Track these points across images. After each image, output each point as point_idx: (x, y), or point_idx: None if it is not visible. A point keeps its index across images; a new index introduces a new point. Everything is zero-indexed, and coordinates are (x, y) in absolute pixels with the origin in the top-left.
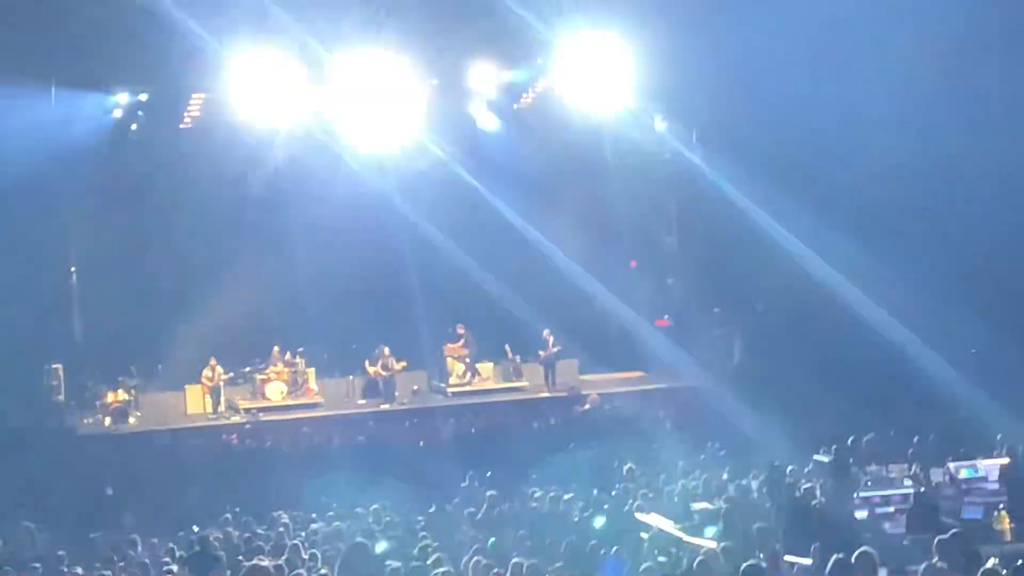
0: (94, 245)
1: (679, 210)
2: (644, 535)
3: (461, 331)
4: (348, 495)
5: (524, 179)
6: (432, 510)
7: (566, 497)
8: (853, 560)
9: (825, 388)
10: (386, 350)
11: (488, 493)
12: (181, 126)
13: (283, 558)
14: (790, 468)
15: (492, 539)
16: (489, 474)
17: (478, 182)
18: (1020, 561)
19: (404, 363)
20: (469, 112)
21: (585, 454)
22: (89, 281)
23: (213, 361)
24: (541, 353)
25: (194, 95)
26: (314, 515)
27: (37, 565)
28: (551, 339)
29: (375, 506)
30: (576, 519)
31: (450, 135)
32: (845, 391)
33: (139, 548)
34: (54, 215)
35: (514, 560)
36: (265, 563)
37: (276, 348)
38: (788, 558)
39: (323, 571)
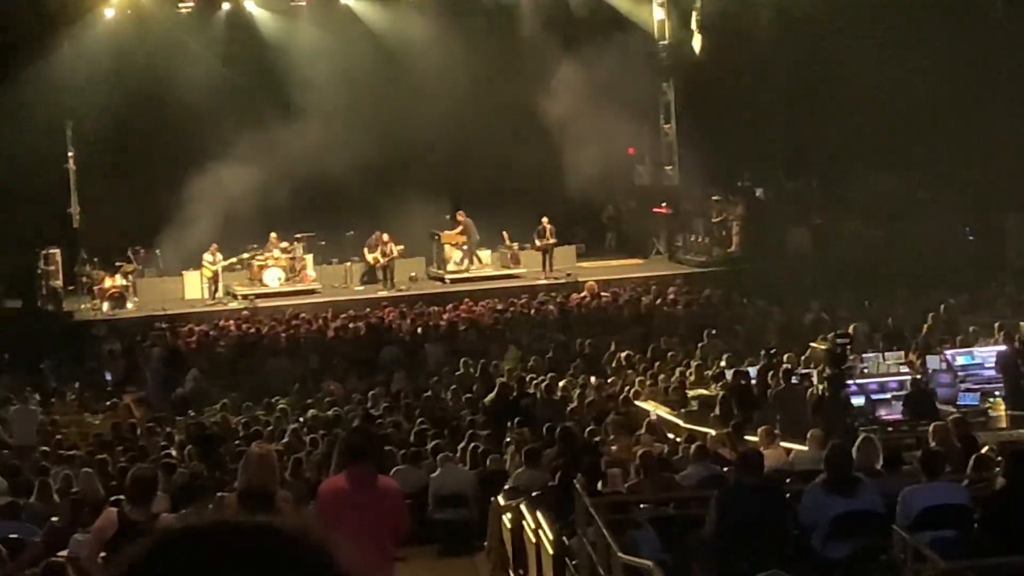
0: (92, 131)
1: (677, 96)
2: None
3: (461, 218)
4: (346, 381)
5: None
6: (428, 394)
7: (562, 383)
8: (851, 446)
9: (823, 276)
10: (384, 236)
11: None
12: (180, 8)
13: (283, 442)
14: (787, 355)
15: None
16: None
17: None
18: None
19: (402, 247)
20: None
21: (582, 341)
22: (87, 167)
23: (215, 247)
24: (538, 242)
25: None
26: (310, 400)
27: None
28: (549, 227)
29: (373, 392)
30: (572, 405)
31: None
32: (843, 279)
33: (137, 432)
34: (51, 101)
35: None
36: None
37: (273, 235)
38: (785, 444)
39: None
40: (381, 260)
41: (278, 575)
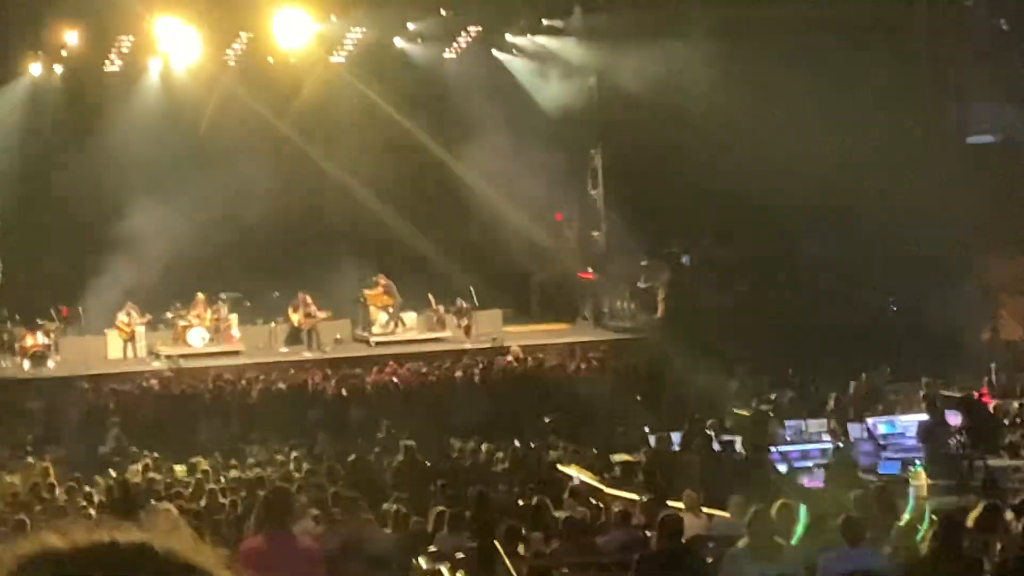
0: (13, 187)
1: (606, 161)
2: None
3: (382, 281)
4: (269, 443)
5: (448, 124)
6: (352, 457)
7: (485, 448)
8: (772, 512)
9: (748, 343)
10: (308, 298)
11: (405, 443)
12: (105, 70)
13: (202, 503)
14: (710, 421)
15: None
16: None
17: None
18: (935, 515)
19: (328, 312)
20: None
21: (506, 406)
22: (8, 224)
23: (129, 305)
24: (459, 320)
25: (119, 37)
26: (234, 461)
27: None
28: (461, 304)
29: (296, 454)
30: (496, 470)
31: (373, 72)
32: (769, 345)
33: (56, 492)
34: None
35: (434, 510)
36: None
37: (200, 295)
38: (707, 510)
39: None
40: (305, 322)
41: None
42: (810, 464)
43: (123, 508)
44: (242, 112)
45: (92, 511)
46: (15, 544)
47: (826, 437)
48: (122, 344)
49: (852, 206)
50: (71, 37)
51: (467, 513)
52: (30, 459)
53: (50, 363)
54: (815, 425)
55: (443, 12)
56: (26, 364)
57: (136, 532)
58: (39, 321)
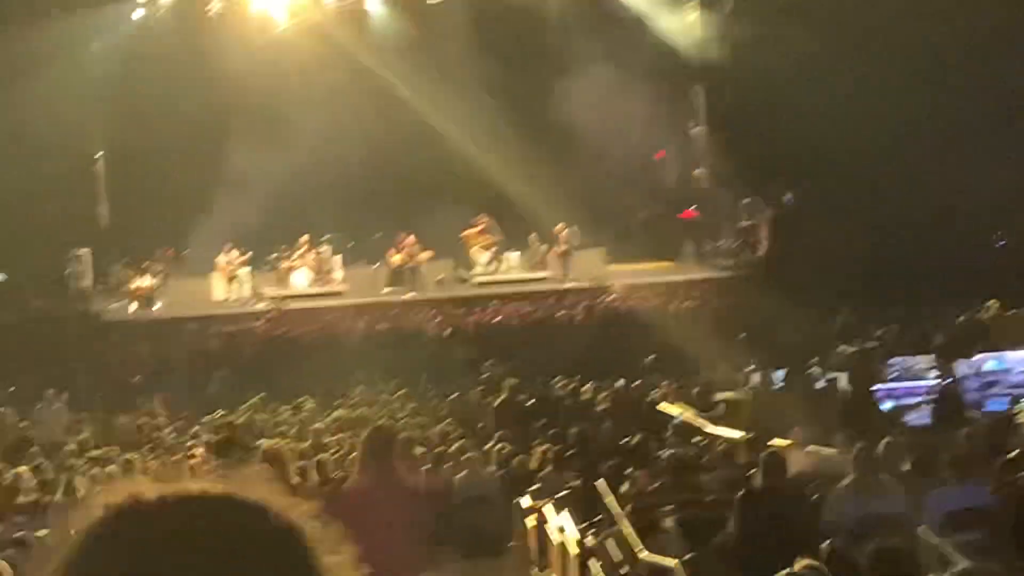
0: (120, 130)
1: (707, 97)
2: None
3: (483, 221)
4: (373, 382)
5: (548, 61)
6: (452, 396)
7: (588, 387)
8: (878, 449)
9: (853, 279)
10: (411, 239)
11: (507, 383)
12: (207, 12)
13: (307, 442)
14: (815, 359)
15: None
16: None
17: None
18: None
19: (430, 253)
20: None
21: (609, 345)
22: (116, 166)
23: (228, 246)
24: (555, 249)
25: None
26: (338, 401)
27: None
28: (563, 234)
29: (399, 393)
30: (599, 408)
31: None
32: (873, 282)
33: (164, 431)
34: (80, 101)
35: (537, 448)
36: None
37: (303, 237)
38: (811, 447)
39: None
40: (408, 262)
41: (240, 548)
42: (916, 401)
43: (229, 448)
44: (345, 53)
45: (198, 451)
46: (103, 492)
47: (932, 374)
48: (226, 286)
49: (957, 139)
50: None
51: (570, 451)
52: (137, 400)
53: (156, 305)
54: (921, 362)
55: None
56: (133, 306)
57: (227, 483)
58: (145, 263)
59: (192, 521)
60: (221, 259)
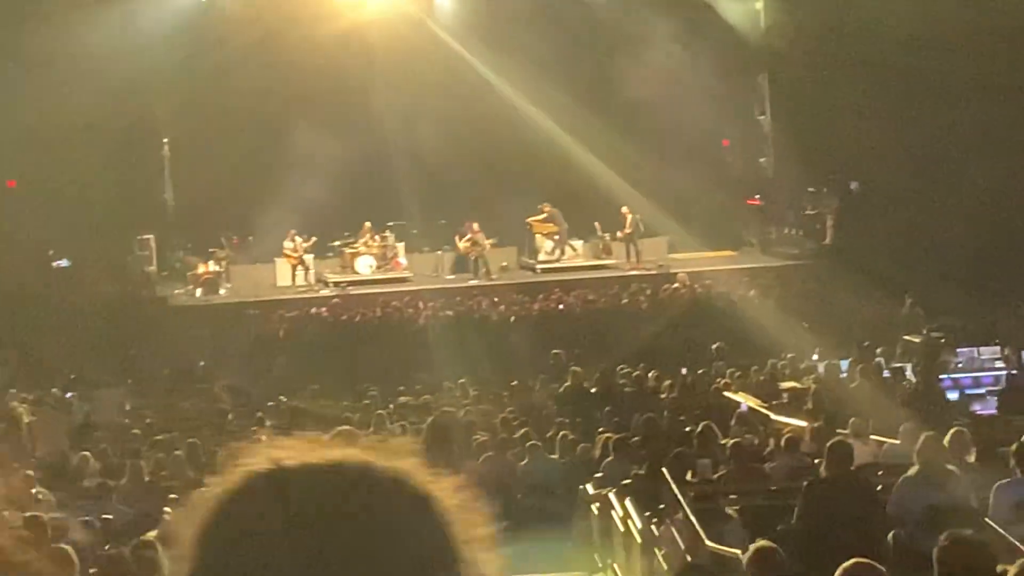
0: (186, 116)
1: (773, 85)
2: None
3: (547, 209)
4: (436, 369)
5: (615, 48)
6: (515, 383)
7: (652, 375)
8: (944, 440)
9: (919, 269)
10: (475, 226)
11: (571, 370)
12: None
13: (370, 429)
14: (880, 348)
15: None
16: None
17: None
18: None
19: (494, 239)
20: None
21: (673, 333)
22: (181, 152)
23: (292, 232)
24: (619, 233)
25: None
26: (402, 388)
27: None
28: (628, 217)
29: (462, 380)
30: (663, 396)
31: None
32: (939, 271)
33: (229, 417)
34: (145, 87)
35: (601, 436)
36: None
37: (367, 223)
38: (876, 437)
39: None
40: (472, 249)
41: (378, 516)
42: (982, 391)
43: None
44: (411, 39)
45: (263, 437)
46: (243, 460)
47: (999, 364)
48: (291, 272)
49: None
50: None
51: (634, 439)
52: (201, 385)
53: (221, 290)
54: (987, 352)
55: None
56: (198, 292)
57: (367, 453)
58: (210, 249)
59: (332, 488)
60: (287, 245)
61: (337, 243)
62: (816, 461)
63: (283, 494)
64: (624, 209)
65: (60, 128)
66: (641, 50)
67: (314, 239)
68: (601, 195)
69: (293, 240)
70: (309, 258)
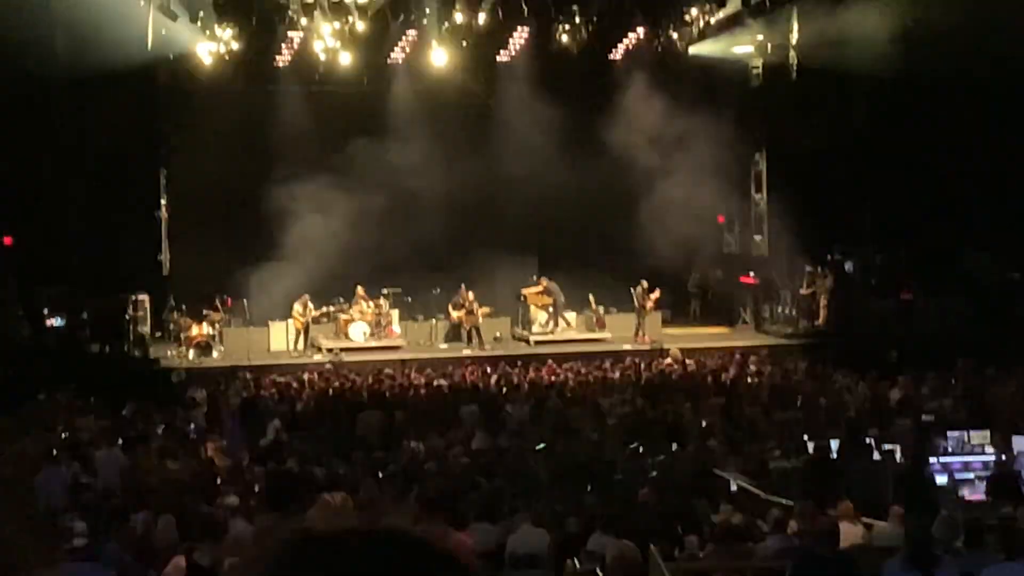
0: (185, 178)
1: (769, 164)
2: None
3: (544, 283)
4: (428, 437)
5: (613, 124)
6: (509, 455)
7: (643, 449)
8: (932, 524)
9: (911, 351)
10: (469, 294)
11: (563, 442)
12: (275, 65)
13: (360, 494)
14: (871, 430)
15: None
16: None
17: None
18: None
19: (488, 310)
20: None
21: (665, 408)
22: (179, 214)
23: (305, 297)
24: (640, 305)
25: (288, 34)
26: (392, 454)
27: None
28: (645, 291)
29: (454, 450)
30: (653, 472)
31: (531, 69)
32: (930, 355)
33: (218, 480)
34: (147, 146)
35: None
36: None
37: (360, 289)
38: (865, 519)
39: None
40: (466, 319)
41: None
42: (971, 476)
43: (283, 499)
44: (410, 107)
45: (252, 501)
46: (280, 528)
47: (989, 449)
48: (286, 336)
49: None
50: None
51: (622, 514)
52: (193, 447)
53: (214, 353)
54: (978, 436)
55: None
56: (191, 354)
57: (389, 519)
58: (204, 311)
59: (367, 554)
60: (297, 308)
61: (331, 309)
62: (804, 541)
63: (321, 561)
64: (643, 283)
65: (57, 185)
66: (640, 126)
67: (324, 308)
68: (596, 268)
69: (304, 305)
70: (309, 322)
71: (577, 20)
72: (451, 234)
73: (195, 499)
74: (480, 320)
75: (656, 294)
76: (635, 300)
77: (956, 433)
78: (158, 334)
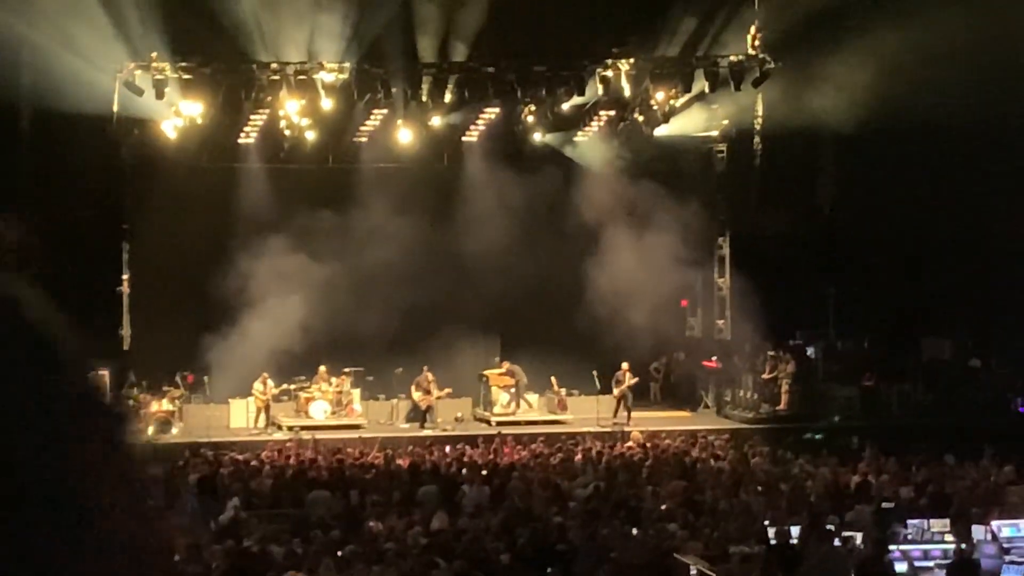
0: (147, 253)
1: (733, 248)
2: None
3: (507, 367)
4: (387, 517)
5: (576, 209)
6: (469, 537)
7: (604, 533)
8: None
9: (873, 437)
10: (429, 375)
11: (523, 525)
12: (239, 141)
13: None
14: (831, 516)
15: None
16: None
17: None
18: None
19: (448, 391)
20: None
21: (625, 491)
22: (140, 288)
23: (265, 375)
24: (615, 389)
25: (252, 114)
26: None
27: None
28: (628, 373)
29: (414, 530)
30: (613, 555)
31: (497, 148)
32: (890, 442)
33: (175, 558)
34: (109, 219)
35: None
36: None
37: (322, 368)
38: None
39: None
40: (426, 399)
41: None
42: (931, 564)
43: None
44: (376, 186)
45: None
46: None
47: (949, 537)
48: (246, 414)
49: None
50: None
51: None
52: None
53: (173, 430)
54: (937, 524)
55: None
56: (150, 430)
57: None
58: (165, 387)
59: None
60: (257, 386)
61: (292, 387)
62: None
63: None
64: (624, 365)
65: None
66: (604, 208)
67: (284, 386)
68: (558, 350)
69: (264, 383)
70: (270, 400)
71: (544, 102)
72: (414, 314)
73: None
74: (434, 400)
75: (635, 379)
76: (615, 383)
77: (916, 521)
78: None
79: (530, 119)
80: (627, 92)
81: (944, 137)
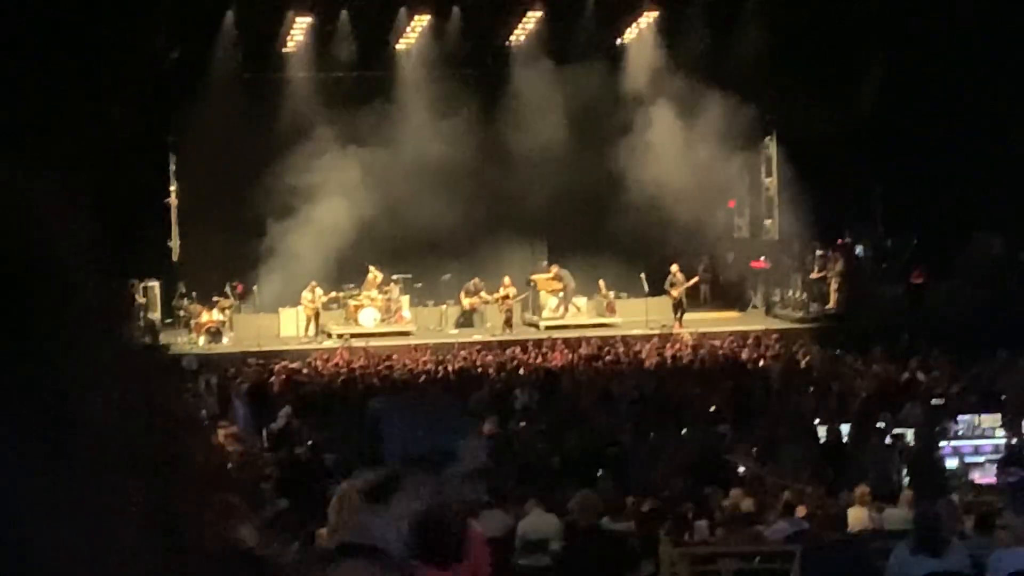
0: (194, 165)
1: (779, 148)
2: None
3: (555, 270)
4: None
5: (624, 109)
6: (520, 442)
7: (653, 435)
8: (940, 507)
9: (922, 335)
10: (479, 281)
11: (573, 428)
12: (283, 49)
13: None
14: (882, 414)
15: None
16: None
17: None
18: None
19: (498, 295)
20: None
21: (675, 393)
22: (188, 200)
23: (314, 283)
24: (673, 291)
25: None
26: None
27: None
28: (680, 274)
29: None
30: (663, 457)
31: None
32: (941, 339)
33: (229, 466)
34: (155, 132)
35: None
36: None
37: (371, 275)
38: (876, 503)
39: None
40: (476, 304)
41: None
42: (982, 460)
43: (295, 485)
44: (420, 93)
45: (265, 487)
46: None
47: (1000, 432)
48: (296, 322)
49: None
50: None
51: (632, 499)
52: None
53: (224, 339)
54: (988, 420)
55: None
56: (201, 340)
57: None
58: (215, 298)
59: None
60: (306, 295)
61: (341, 295)
62: (815, 525)
63: None
64: (674, 267)
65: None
66: (649, 110)
67: (333, 294)
68: (606, 254)
69: (313, 292)
70: (319, 308)
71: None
72: (462, 220)
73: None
74: (490, 305)
75: (692, 281)
76: (669, 285)
77: (966, 417)
78: (168, 321)
79: (574, 17)
80: None
81: (993, 29)
